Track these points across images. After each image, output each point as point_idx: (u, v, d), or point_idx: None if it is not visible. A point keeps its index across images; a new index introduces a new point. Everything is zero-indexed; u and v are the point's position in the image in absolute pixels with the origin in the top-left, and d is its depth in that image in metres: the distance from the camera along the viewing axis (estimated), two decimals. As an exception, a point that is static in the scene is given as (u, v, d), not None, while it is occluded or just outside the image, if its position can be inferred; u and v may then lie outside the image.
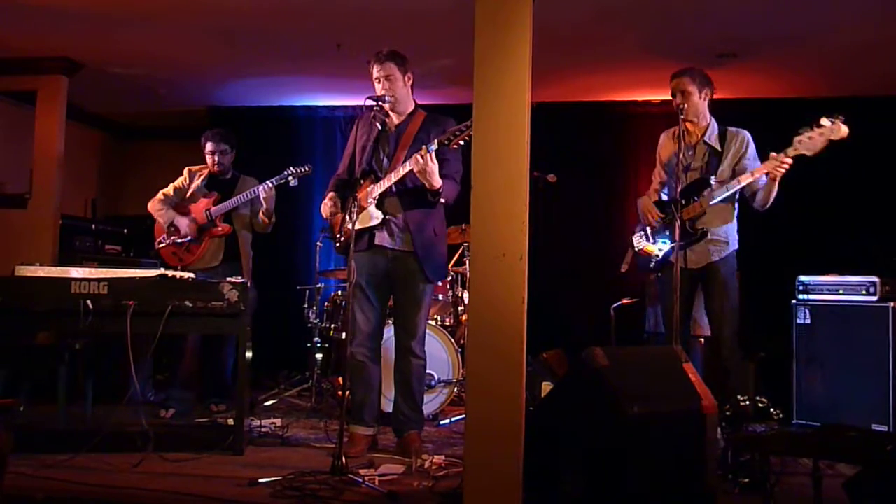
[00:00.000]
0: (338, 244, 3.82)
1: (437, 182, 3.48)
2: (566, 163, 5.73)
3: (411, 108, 3.80)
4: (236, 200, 4.72)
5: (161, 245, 4.81)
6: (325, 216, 3.83)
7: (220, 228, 4.74)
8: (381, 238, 3.66)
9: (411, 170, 3.47)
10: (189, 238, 4.72)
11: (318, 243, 5.51)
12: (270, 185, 4.66)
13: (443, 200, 3.64)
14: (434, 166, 3.44)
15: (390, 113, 3.75)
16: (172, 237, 4.76)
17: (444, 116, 3.77)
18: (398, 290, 3.74)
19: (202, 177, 4.90)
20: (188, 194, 4.86)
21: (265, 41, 5.20)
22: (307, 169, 4.68)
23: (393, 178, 3.58)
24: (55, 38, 5.22)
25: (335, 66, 5.56)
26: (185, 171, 4.98)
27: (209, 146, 4.86)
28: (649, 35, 4.93)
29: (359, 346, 3.70)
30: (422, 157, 3.40)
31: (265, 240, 5.04)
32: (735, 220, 4.01)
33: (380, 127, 3.72)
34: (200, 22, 4.83)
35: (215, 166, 4.86)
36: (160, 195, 4.87)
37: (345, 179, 3.87)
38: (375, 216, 3.63)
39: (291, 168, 4.66)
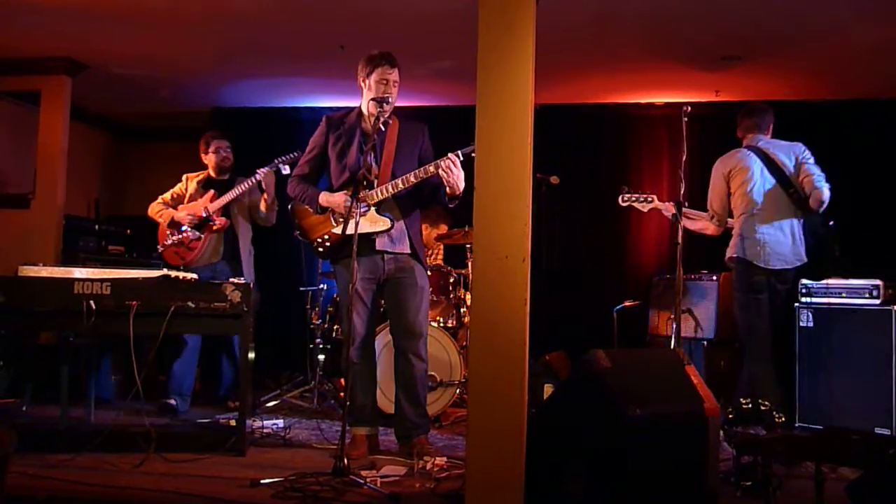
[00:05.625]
0: (321, 249, 3.74)
1: (462, 186, 3.51)
2: (569, 165, 5.73)
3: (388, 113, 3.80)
4: (233, 193, 4.74)
5: (164, 247, 4.82)
6: (342, 211, 3.62)
7: (217, 223, 4.74)
8: (383, 243, 3.65)
9: (422, 175, 3.52)
10: (189, 233, 4.73)
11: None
12: (265, 170, 4.66)
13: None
14: (462, 172, 3.48)
15: (373, 118, 3.67)
16: (174, 236, 4.77)
17: (415, 121, 3.83)
18: (399, 291, 3.71)
19: (200, 181, 4.95)
20: (186, 200, 4.91)
21: (269, 42, 5.21)
22: (295, 155, 4.58)
23: (401, 184, 3.58)
24: (59, 39, 5.23)
25: (338, 68, 5.56)
26: (184, 178, 5.03)
27: (216, 143, 4.93)
28: (652, 37, 4.93)
29: (356, 349, 3.68)
30: (453, 162, 3.43)
31: (267, 241, 5.04)
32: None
33: (361, 132, 3.69)
34: (204, 23, 4.84)
35: (224, 161, 4.93)
36: (159, 200, 4.95)
37: (308, 180, 3.81)
38: (382, 221, 3.62)
39: (280, 157, 4.67)
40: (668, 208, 4.37)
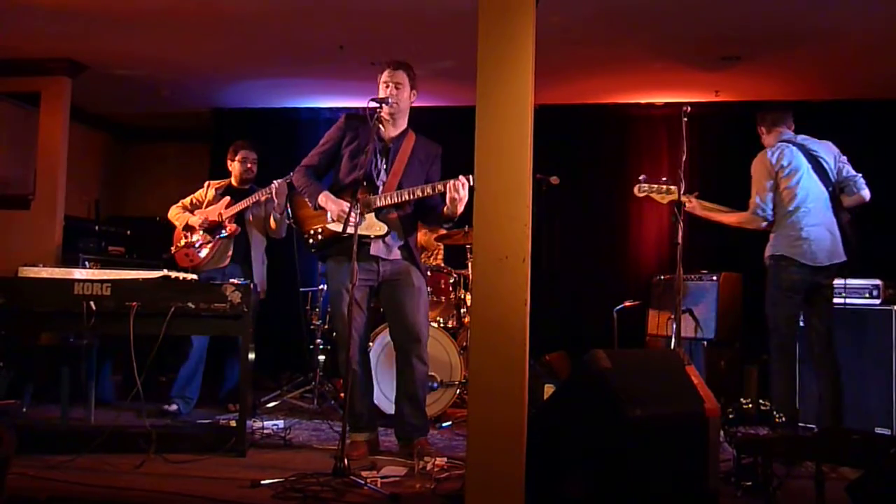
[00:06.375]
0: (311, 241, 3.77)
1: (461, 210, 3.55)
2: (569, 165, 5.73)
3: (405, 125, 3.81)
4: (247, 201, 4.78)
5: (176, 249, 4.87)
6: (335, 217, 3.65)
7: (228, 229, 4.79)
8: (377, 248, 3.66)
9: (429, 191, 3.55)
10: (199, 238, 4.80)
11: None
12: (280, 181, 4.67)
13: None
14: (466, 197, 3.50)
15: (387, 124, 3.72)
16: (187, 240, 4.84)
17: (431, 141, 3.84)
18: (396, 292, 3.72)
19: (219, 189, 4.99)
20: (204, 205, 4.95)
21: (269, 43, 5.21)
22: None
23: (407, 195, 3.59)
24: (59, 40, 5.24)
25: (338, 68, 5.57)
26: (206, 184, 5.07)
27: (244, 153, 4.97)
28: (652, 38, 4.93)
29: (353, 354, 3.66)
30: (462, 185, 3.45)
31: (269, 242, 5.05)
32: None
33: (377, 138, 3.71)
34: (203, 24, 4.85)
35: (248, 173, 4.97)
36: (178, 204, 5.00)
37: (316, 172, 3.83)
38: (379, 226, 3.63)
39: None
40: (688, 199, 4.13)
